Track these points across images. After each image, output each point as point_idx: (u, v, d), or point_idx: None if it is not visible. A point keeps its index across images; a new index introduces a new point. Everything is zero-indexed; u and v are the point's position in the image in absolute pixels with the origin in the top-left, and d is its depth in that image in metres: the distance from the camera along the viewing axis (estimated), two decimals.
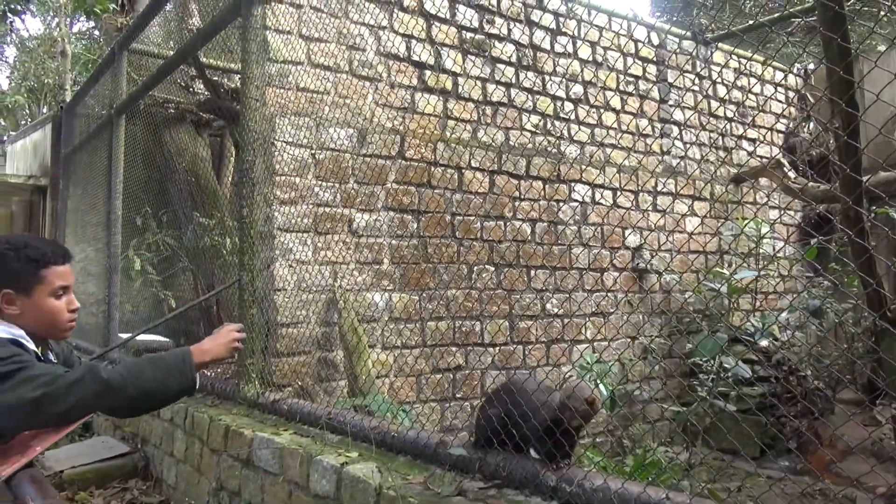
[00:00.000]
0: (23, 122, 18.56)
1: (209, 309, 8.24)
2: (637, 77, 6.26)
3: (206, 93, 7.73)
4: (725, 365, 4.38)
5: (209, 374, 4.40)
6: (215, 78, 7.18)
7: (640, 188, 5.93)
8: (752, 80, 7.33)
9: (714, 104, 6.91)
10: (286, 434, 3.04)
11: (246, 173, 3.81)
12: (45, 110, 18.11)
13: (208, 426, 3.57)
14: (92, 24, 17.56)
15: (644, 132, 6.22)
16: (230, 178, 9.66)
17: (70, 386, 1.60)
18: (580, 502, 1.90)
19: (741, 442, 4.95)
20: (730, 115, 7.07)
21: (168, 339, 7.29)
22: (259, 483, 3.03)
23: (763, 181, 7.17)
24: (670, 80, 6.56)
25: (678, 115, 6.55)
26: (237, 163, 5.64)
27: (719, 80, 7.02)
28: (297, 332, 3.95)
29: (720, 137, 6.96)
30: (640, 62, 6.32)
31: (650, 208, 6.03)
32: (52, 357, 1.93)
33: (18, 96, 17.32)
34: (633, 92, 6.20)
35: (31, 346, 1.78)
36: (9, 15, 14.98)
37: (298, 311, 3.93)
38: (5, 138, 16.90)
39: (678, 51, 6.52)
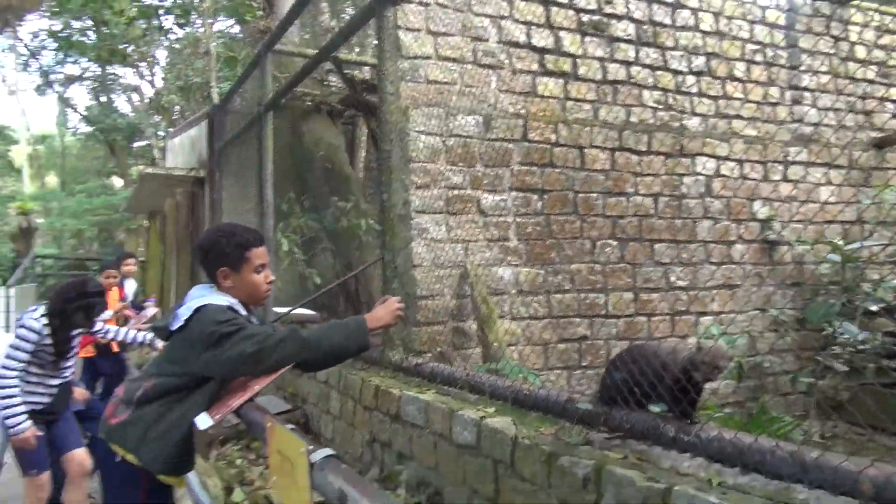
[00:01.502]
0: (174, 119, 20.48)
1: (348, 285, 8.93)
2: (764, 44, 6.10)
3: (341, 85, 8.33)
4: (839, 330, 4.31)
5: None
6: (348, 71, 7.74)
7: (767, 158, 5.82)
8: None
9: (852, 66, 6.57)
10: (429, 393, 3.43)
11: (384, 161, 4.23)
12: (192, 107, 19.88)
13: (360, 387, 4.05)
14: (231, 22, 18.89)
15: (772, 100, 6.07)
16: (363, 163, 10.32)
17: (278, 343, 1.98)
18: (697, 451, 2.12)
19: (884, 416, 4.81)
20: (870, 76, 6.69)
21: (315, 313, 8.03)
22: (407, 435, 3.46)
23: None
24: (801, 44, 6.32)
25: (810, 81, 6.31)
26: (376, 152, 6.11)
27: (858, 40, 6.66)
28: (433, 304, 4.35)
29: (859, 101, 6.61)
30: (767, 28, 6.16)
31: (780, 178, 5.90)
32: (254, 320, 2.28)
33: (172, 96, 19.06)
34: (760, 60, 6.06)
35: (242, 311, 2.19)
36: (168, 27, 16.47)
37: (434, 285, 4.32)
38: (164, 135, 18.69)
39: (810, 13, 6.28)
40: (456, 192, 4.54)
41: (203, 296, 2.16)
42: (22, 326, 3.66)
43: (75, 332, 3.85)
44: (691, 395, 2.23)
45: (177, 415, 2.06)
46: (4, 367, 3.58)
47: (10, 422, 3.53)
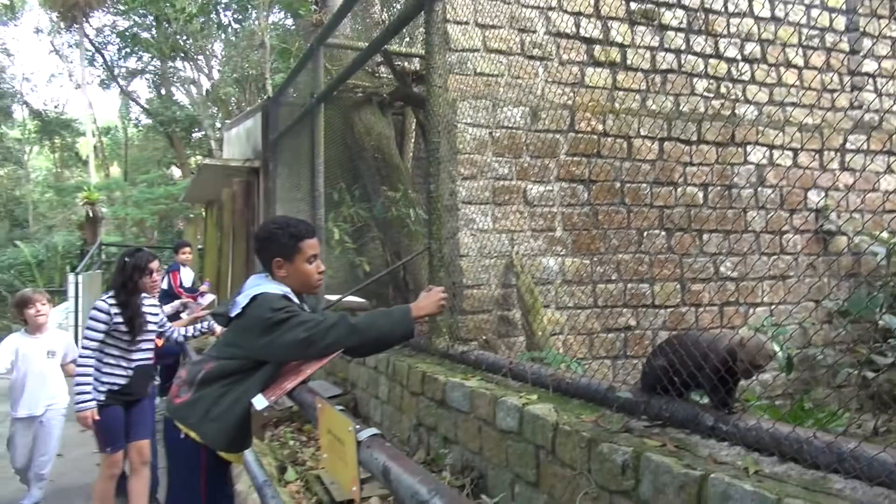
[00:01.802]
0: (231, 110, 21.03)
1: (396, 273, 9.09)
2: (823, 29, 5.93)
3: (391, 76, 8.44)
4: (882, 321, 4.20)
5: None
6: (398, 63, 7.84)
7: (825, 147, 5.67)
8: None
9: None
10: (474, 380, 3.53)
11: (432, 153, 4.31)
12: (248, 99, 20.37)
13: (407, 373, 4.17)
14: (283, 14, 19.20)
15: (832, 87, 5.91)
16: (412, 153, 10.44)
17: (329, 329, 2.09)
18: (735, 440, 2.15)
19: None
20: None
21: (365, 301, 8.22)
22: (452, 420, 3.56)
23: None
24: (864, 28, 6.12)
25: (873, 66, 6.11)
26: (424, 143, 6.20)
27: None
28: (479, 293, 4.43)
29: None
30: (826, 12, 5.98)
31: (838, 167, 5.75)
32: (306, 307, 2.38)
33: (229, 88, 19.57)
34: (818, 45, 5.89)
35: (295, 299, 2.30)
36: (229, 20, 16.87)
37: (480, 275, 4.40)
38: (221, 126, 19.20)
39: None
40: (502, 182, 4.59)
41: (259, 285, 2.26)
42: (93, 309, 3.91)
43: (142, 300, 4.06)
44: (729, 385, 2.26)
45: (235, 395, 2.17)
46: (82, 348, 3.85)
47: (78, 398, 3.78)
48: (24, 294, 4.63)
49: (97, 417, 3.83)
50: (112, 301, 3.93)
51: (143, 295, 4.10)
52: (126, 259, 4.06)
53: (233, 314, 2.24)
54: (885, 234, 5.05)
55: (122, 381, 3.97)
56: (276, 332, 2.10)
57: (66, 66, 28.98)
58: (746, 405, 2.64)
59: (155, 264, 4.14)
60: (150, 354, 4.21)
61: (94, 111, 27.89)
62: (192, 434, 2.21)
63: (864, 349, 5.36)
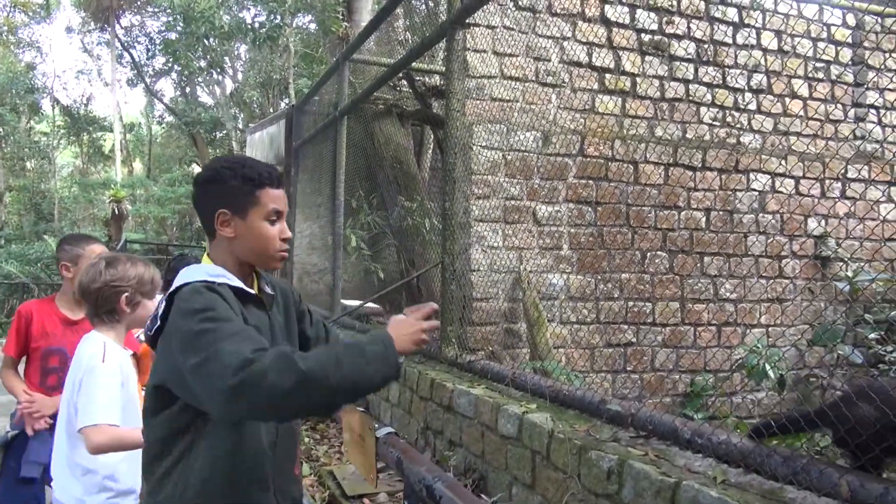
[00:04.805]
0: (253, 112, 21.48)
1: (410, 282, 9.38)
2: (828, 62, 6.17)
3: (411, 90, 8.74)
4: (839, 351, 4.43)
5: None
6: (419, 79, 8.15)
7: (825, 175, 5.91)
8: None
9: None
10: (479, 388, 3.80)
11: (448, 173, 4.61)
12: (271, 102, 20.82)
13: (417, 379, 4.46)
14: (308, 18, 19.57)
15: (834, 118, 6.14)
16: (429, 164, 10.75)
17: (262, 375, 1.27)
18: (708, 452, 2.42)
19: None
20: None
21: (378, 306, 8.53)
22: (458, 424, 3.84)
23: None
24: (869, 61, 6.34)
25: (876, 97, 6.33)
26: (441, 155, 6.50)
27: None
28: (487, 306, 4.71)
29: None
30: (832, 45, 6.21)
31: (837, 195, 5.98)
32: (268, 289, 1.71)
33: (252, 91, 20.00)
34: (823, 77, 6.13)
35: (236, 282, 1.58)
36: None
37: (489, 289, 4.69)
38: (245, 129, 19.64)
39: (879, 30, 6.28)
40: (513, 202, 4.87)
41: (180, 277, 1.57)
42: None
43: None
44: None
45: (184, 473, 1.51)
46: None
47: None
48: None
49: None
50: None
51: None
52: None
53: (151, 331, 1.56)
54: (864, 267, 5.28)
55: None
56: (189, 356, 1.36)
57: (95, 63, 29.68)
58: (723, 422, 2.89)
59: None
60: None
61: (121, 109, 28.58)
62: None
63: (862, 373, 5.58)
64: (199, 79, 24.86)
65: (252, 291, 1.64)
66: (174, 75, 25.08)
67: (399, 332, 1.54)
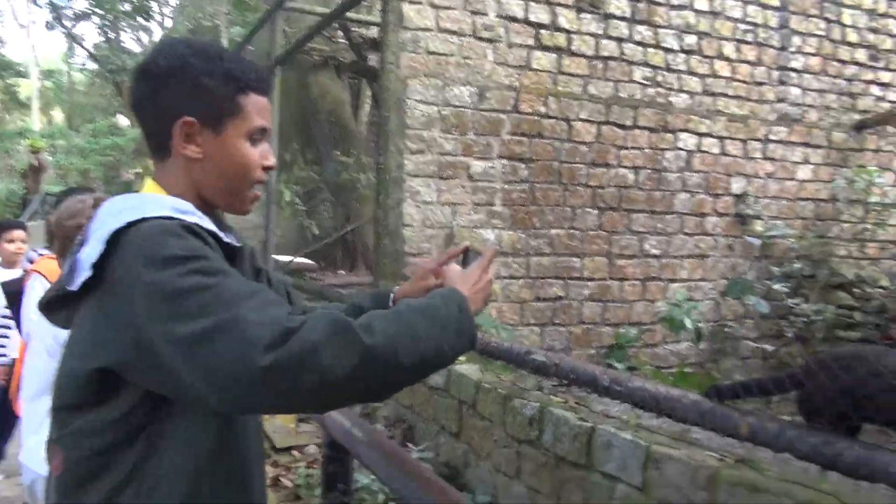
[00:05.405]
0: None
1: (345, 236, 9.33)
2: (756, 25, 6.33)
3: (346, 41, 8.54)
4: (748, 301, 4.73)
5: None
6: (355, 30, 7.96)
7: (749, 136, 6.13)
8: (890, 21, 7.06)
9: (842, 50, 6.78)
10: None
11: (382, 127, 4.58)
12: None
13: None
14: None
15: (760, 80, 6.34)
16: (367, 119, 10.59)
17: (312, 352, 0.89)
18: (625, 398, 2.54)
19: None
20: (861, 59, 6.90)
21: (314, 263, 8.46)
22: None
23: (890, 129, 7.02)
24: (794, 26, 6.54)
25: (799, 63, 6.56)
26: (376, 115, 6.42)
27: (852, 24, 6.86)
28: (421, 261, 4.75)
29: (846, 83, 6.85)
30: (761, 8, 6.37)
31: (760, 157, 6.22)
32: (233, 240, 1.15)
33: None
34: (751, 40, 6.29)
35: (209, 224, 1.08)
36: None
37: (423, 244, 4.72)
38: None
39: None
40: (448, 158, 4.88)
41: (123, 209, 1.02)
42: None
43: None
44: None
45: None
46: None
47: None
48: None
49: None
50: None
51: None
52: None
53: (75, 286, 1.01)
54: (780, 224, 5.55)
55: None
56: (175, 324, 0.91)
57: (7, 2, 27.66)
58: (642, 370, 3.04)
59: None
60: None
61: (38, 53, 26.84)
62: None
63: (772, 325, 5.92)
64: (124, 24, 23.57)
65: (231, 241, 1.14)
66: (96, 19, 23.65)
67: (470, 288, 1.20)
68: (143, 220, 1.00)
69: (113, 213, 1.03)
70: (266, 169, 1.18)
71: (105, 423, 1.00)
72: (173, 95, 1.11)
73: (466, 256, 1.39)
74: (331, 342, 0.91)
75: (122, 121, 26.47)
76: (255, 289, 0.97)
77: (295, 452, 3.66)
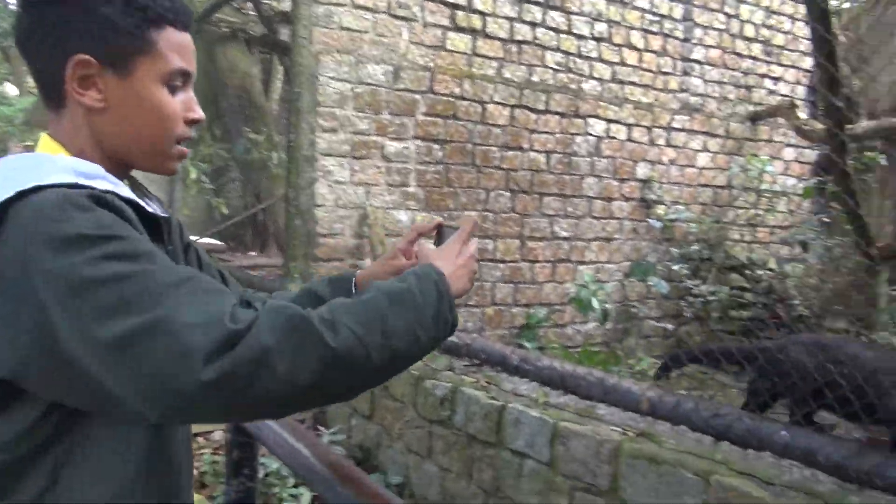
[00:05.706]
0: None
1: (255, 216, 9.06)
2: (663, 16, 6.55)
3: (256, 13, 8.23)
4: (650, 282, 5.01)
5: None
6: (267, 2, 7.68)
7: (654, 124, 6.36)
8: (784, 19, 7.49)
9: (740, 43, 7.14)
10: None
11: (294, 103, 4.44)
12: None
13: None
14: None
15: (665, 70, 6.58)
16: (278, 95, 10.28)
17: (263, 359, 0.74)
18: (533, 376, 2.60)
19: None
20: (756, 53, 7.29)
21: (222, 243, 8.17)
22: None
23: (781, 120, 7.47)
24: (697, 19, 6.82)
25: (701, 54, 6.85)
26: (288, 91, 6.23)
27: (749, 19, 7.22)
28: (333, 242, 4.67)
29: (742, 76, 7.22)
30: (666, 0, 6.60)
31: (664, 144, 6.48)
32: (157, 208, 1.00)
33: None
34: (657, 31, 6.51)
35: (126, 191, 0.90)
36: None
37: (335, 224, 4.64)
38: None
39: None
40: (361, 137, 4.80)
41: (8, 175, 0.81)
42: None
43: None
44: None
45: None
46: None
47: None
48: None
49: None
50: None
51: None
52: None
53: None
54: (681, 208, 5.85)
55: None
56: (88, 324, 0.73)
57: None
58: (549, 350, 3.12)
59: None
60: None
61: None
62: None
63: (673, 305, 6.22)
64: None
65: (156, 210, 0.97)
66: None
67: (450, 267, 1.02)
68: (38, 188, 0.79)
69: None
70: (191, 123, 0.98)
71: (9, 439, 0.82)
72: (63, 26, 0.88)
73: (441, 234, 1.18)
74: (287, 346, 0.75)
75: (11, 89, 24.54)
76: (188, 275, 0.79)
77: (200, 439, 3.55)
